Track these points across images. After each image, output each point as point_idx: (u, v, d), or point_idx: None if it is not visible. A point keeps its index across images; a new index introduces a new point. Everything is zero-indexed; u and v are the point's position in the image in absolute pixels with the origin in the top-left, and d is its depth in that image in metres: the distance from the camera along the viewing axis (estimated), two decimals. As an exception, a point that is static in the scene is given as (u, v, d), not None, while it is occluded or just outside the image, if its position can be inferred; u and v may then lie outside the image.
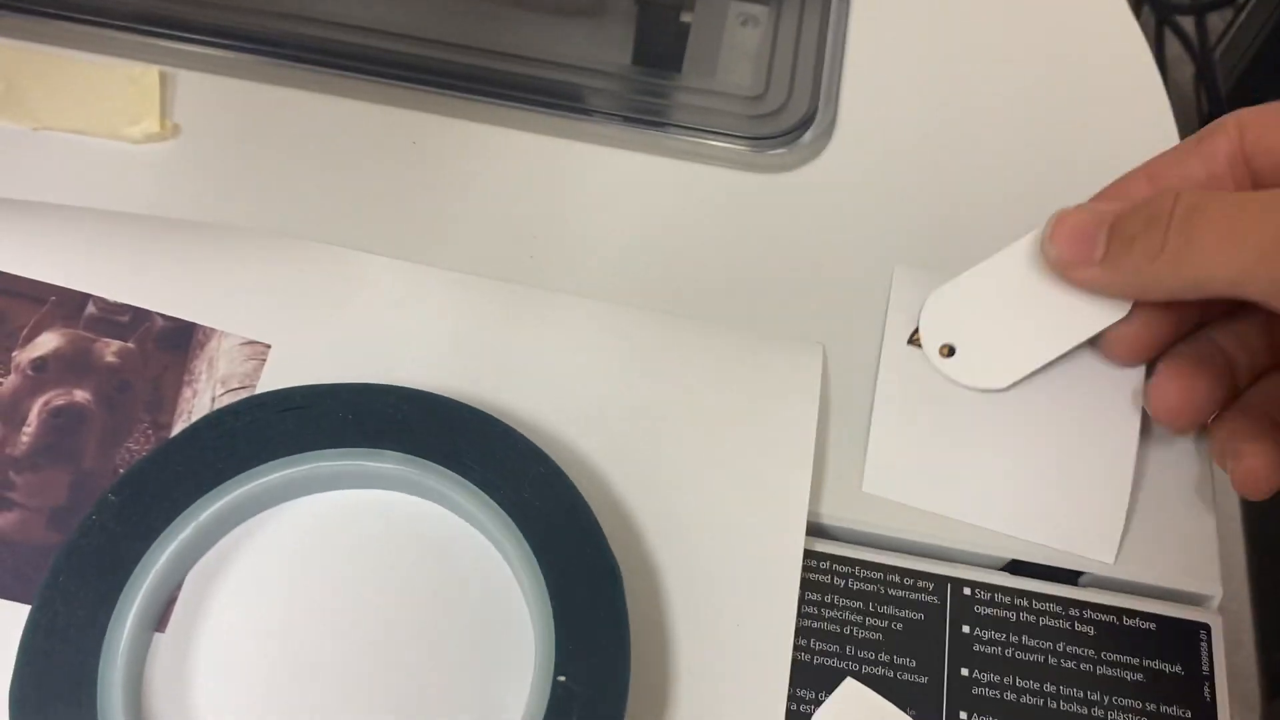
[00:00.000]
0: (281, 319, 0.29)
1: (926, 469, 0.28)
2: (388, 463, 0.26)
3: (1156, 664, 0.27)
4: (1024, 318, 0.28)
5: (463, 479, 0.26)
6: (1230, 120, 0.26)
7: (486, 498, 0.26)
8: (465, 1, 0.38)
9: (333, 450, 0.26)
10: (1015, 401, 0.29)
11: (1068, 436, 0.28)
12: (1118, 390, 0.29)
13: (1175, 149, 0.28)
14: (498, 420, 0.27)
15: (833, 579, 0.27)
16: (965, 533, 0.28)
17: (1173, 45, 0.65)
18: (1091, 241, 0.27)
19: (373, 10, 0.36)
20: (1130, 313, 0.27)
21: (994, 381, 0.28)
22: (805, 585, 0.27)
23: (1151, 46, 0.65)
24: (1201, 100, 0.55)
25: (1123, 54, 0.37)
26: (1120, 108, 0.35)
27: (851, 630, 0.26)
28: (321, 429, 0.26)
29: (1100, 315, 0.28)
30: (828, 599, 0.27)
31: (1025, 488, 0.28)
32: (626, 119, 0.34)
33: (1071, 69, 0.36)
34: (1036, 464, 0.28)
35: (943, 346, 0.29)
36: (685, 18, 0.39)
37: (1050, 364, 0.28)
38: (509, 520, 0.25)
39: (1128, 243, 0.26)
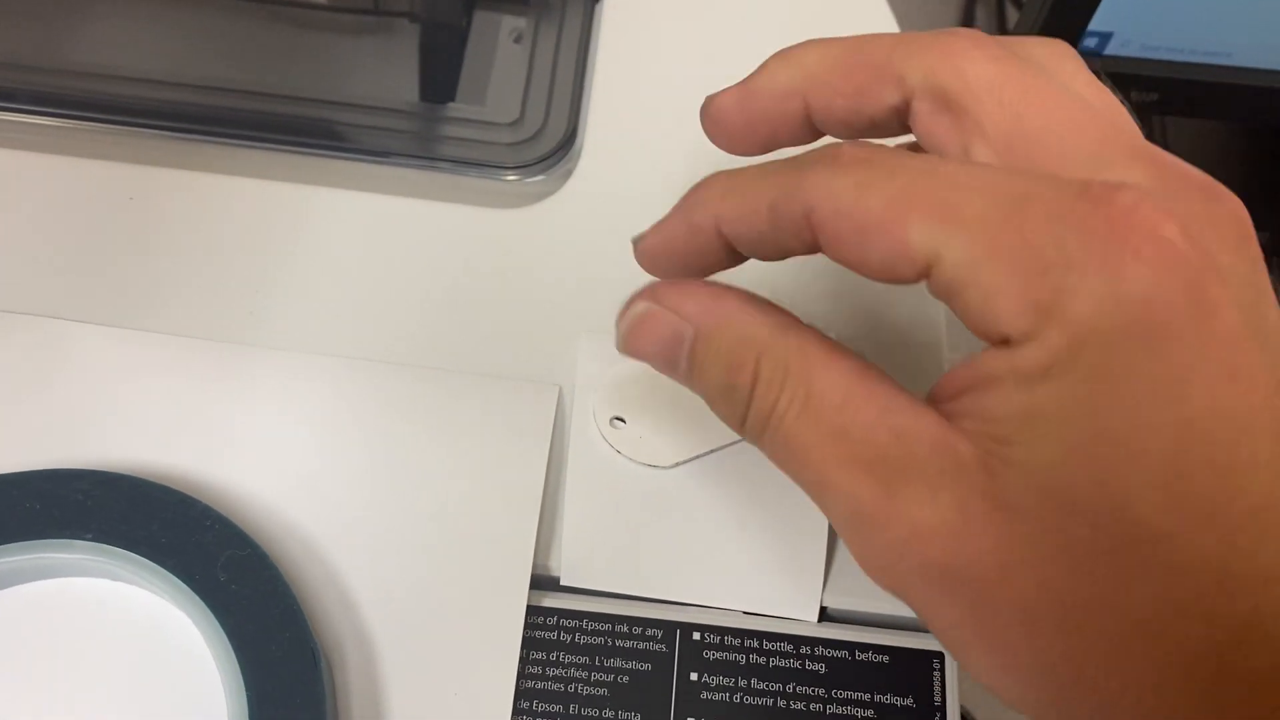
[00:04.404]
0: (-21, 401, 0.27)
1: (623, 549, 0.27)
2: (77, 553, 0.25)
3: (888, 698, 0.26)
4: (700, 405, 0.28)
5: (156, 565, 0.25)
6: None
7: (180, 583, 0.25)
8: (222, 37, 0.37)
9: (18, 544, 0.25)
10: (707, 471, 0.28)
11: (761, 502, 0.28)
12: None
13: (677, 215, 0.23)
14: (195, 501, 0.26)
15: (559, 634, 0.27)
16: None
17: (1014, 16, 0.65)
18: (673, 353, 0.22)
19: (105, 53, 0.35)
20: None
21: (658, 459, 0.28)
22: (529, 644, 0.26)
23: (994, 12, 0.65)
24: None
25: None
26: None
27: (576, 688, 0.26)
28: (6, 522, 0.25)
29: None
30: (552, 656, 0.26)
31: (723, 557, 0.27)
32: (373, 155, 0.33)
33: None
34: (732, 531, 0.27)
35: (614, 418, 0.28)
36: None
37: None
38: (203, 605, 0.25)
39: (712, 396, 0.22)
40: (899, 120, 0.22)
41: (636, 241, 0.24)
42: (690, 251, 0.23)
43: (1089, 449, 0.17)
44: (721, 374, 0.21)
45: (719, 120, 0.24)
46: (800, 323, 0.21)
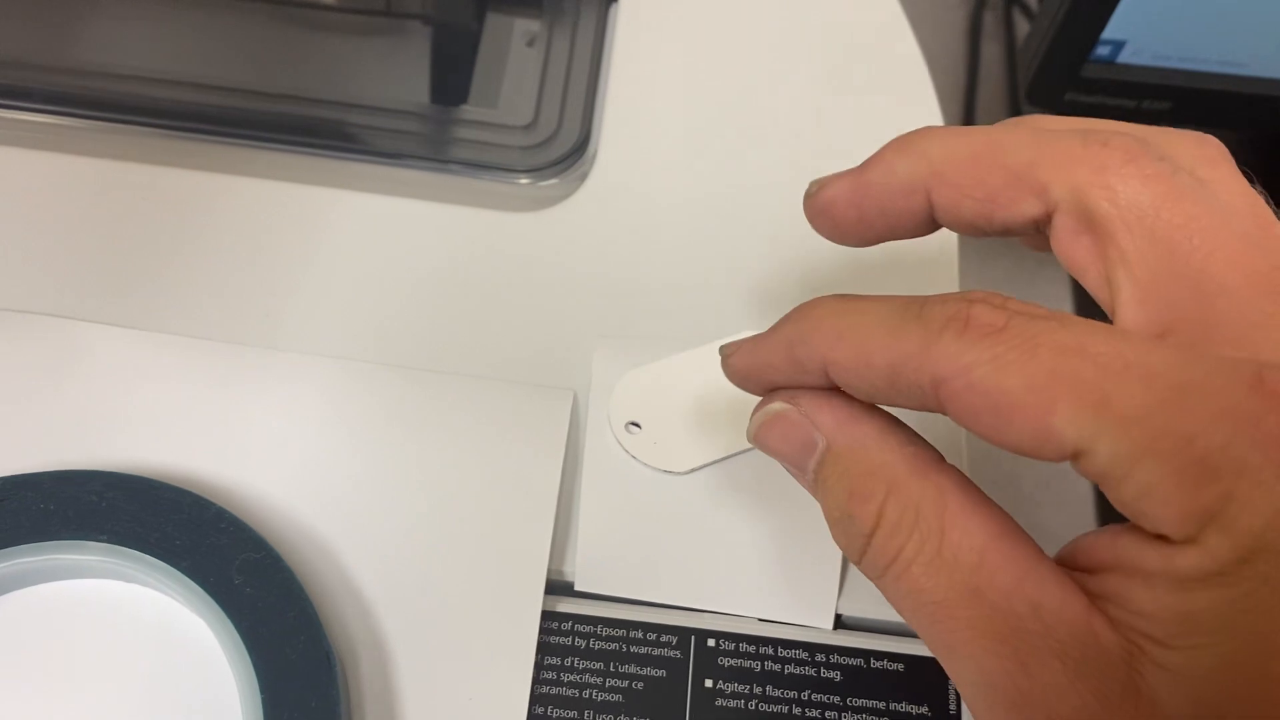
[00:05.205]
0: (-7, 401, 0.27)
1: (638, 555, 0.27)
2: (90, 554, 0.25)
3: (903, 706, 0.26)
4: (715, 410, 0.28)
5: (170, 567, 0.25)
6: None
7: (194, 585, 0.25)
8: (235, 38, 0.37)
9: (32, 545, 0.25)
10: (723, 478, 0.28)
11: (776, 509, 0.28)
12: None
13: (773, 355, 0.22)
14: (210, 503, 0.25)
15: (573, 640, 0.26)
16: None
17: (1022, 24, 0.65)
18: (802, 460, 0.21)
19: (119, 54, 0.35)
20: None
21: (674, 464, 0.28)
22: (544, 649, 0.26)
23: (1002, 19, 0.65)
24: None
25: (903, 79, 0.36)
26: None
27: (590, 694, 0.26)
28: (21, 523, 0.25)
29: None
30: (567, 661, 0.26)
31: (739, 563, 0.27)
32: (386, 158, 0.33)
33: (847, 97, 0.35)
34: (747, 538, 0.27)
35: (629, 423, 0.28)
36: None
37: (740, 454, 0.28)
38: (218, 608, 0.24)
39: (832, 516, 0.21)
40: (1035, 230, 0.21)
41: (725, 353, 0.23)
42: (789, 383, 0.21)
43: (1253, 663, 0.16)
44: (843, 500, 0.20)
45: (827, 212, 0.23)
46: (942, 461, 0.20)
